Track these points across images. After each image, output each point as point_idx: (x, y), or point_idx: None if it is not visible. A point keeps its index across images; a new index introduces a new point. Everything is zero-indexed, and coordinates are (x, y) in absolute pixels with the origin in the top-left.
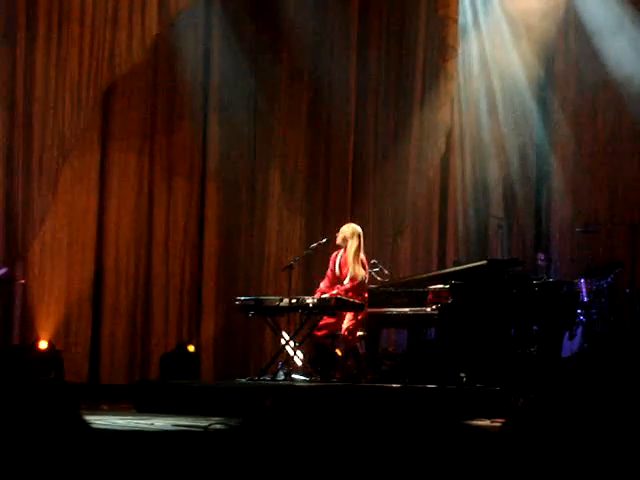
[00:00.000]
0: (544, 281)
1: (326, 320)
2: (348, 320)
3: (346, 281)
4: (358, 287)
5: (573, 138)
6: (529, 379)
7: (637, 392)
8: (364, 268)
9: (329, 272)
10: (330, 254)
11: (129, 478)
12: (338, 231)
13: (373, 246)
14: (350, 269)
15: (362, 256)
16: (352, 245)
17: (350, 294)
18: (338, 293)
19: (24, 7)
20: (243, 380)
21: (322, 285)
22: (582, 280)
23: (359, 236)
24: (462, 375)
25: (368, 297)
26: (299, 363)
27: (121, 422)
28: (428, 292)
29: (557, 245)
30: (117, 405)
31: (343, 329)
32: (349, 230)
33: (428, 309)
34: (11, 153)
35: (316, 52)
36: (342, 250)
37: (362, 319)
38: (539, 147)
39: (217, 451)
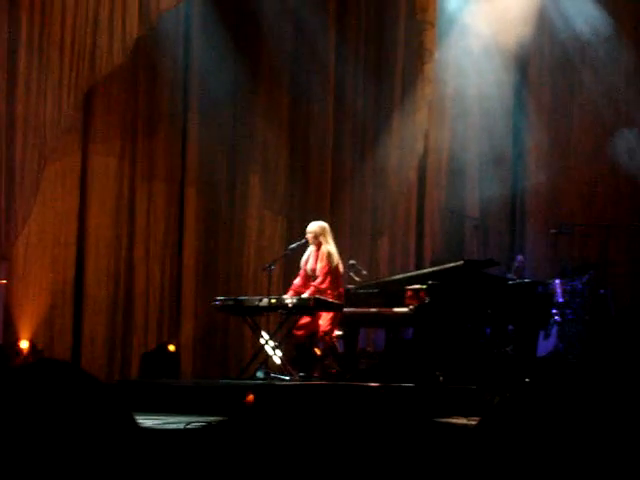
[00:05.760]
0: (519, 282)
1: (304, 319)
2: (324, 320)
3: (319, 280)
4: (334, 281)
5: (548, 140)
6: (505, 378)
7: (614, 389)
8: (336, 262)
9: (302, 271)
10: None
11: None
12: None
13: (352, 246)
14: (323, 265)
15: (333, 250)
16: (326, 241)
17: (328, 290)
18: (315, 291)
19: (6, 9)
20: (223, 380)
21: (296, 281)
22: (557, 281)
23: (329, 231)
24: (439, 374)
25: (346, 298)
26: (278, 362)
27: None
28: (405, 292)
29: (532, 246)
30: None
31: (320, 329)
32: (319, 228)
33: (405, 309)
34: None
35: (295, 55)
36: (313, 248)
37: (338, 317)
38: (515, 149)
39: (199, 449)
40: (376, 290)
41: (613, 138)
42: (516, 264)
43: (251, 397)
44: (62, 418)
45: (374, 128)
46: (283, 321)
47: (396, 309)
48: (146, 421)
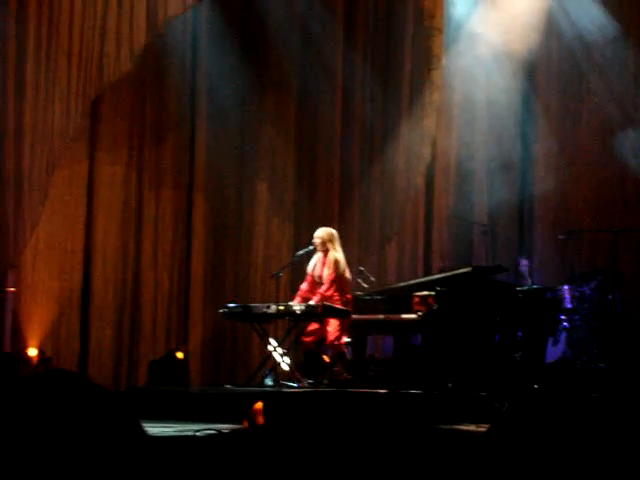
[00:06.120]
0: (527, 288)
1: (313, 326)
2: (333, 327)
3: (324, 287)
4: (340, 288)
5: (556, 146)
6: (514, 384)
7: (619, 398)
8: (342, 269)
9: (309, 277)
10: None
11: None
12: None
13: (359, 253)
14: (329, 272)
15: (340, 257)
16: (333, 247)
17: (335, 297)
18: (321, 298)
19: (14, 17)
20: (231, 387)
21: (303, 287)
22: (565, 287)
23: (336, 238)
24: (447, 381)
25: (354, 304)
26: (286, 369)
27: None
28: (414, 299)
29: (540, 252)
30: None
31: (328, 336)
32: (326, 234)
33: (414, 315)
34: (2, 162)
35: (303, 61)
36: (320, 254)
37: (347, 324)
38: (523, 155)
39: (209, 456)
40: (384, 297)
41: (618, 138)
42: (520, 268)
43: (259, 405)
44: (70, 427)
45: (382, 134)
46: (291, 328)
47: (404, 315)
48: (154, 429)
